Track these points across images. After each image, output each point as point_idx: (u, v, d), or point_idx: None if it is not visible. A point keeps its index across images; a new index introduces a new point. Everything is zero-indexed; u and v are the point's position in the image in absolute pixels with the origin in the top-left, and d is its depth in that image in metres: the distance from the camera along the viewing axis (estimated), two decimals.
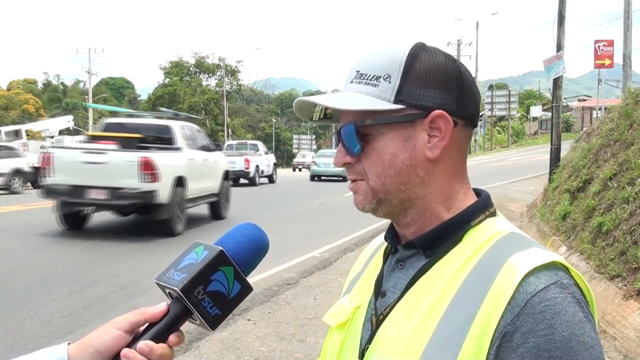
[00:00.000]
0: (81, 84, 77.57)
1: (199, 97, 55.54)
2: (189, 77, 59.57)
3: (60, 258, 8.18)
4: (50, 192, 9.35)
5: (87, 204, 9.35)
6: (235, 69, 60.56)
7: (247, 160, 22.11)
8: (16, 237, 9.87)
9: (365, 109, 0.83)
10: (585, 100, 63.99)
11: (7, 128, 25.82)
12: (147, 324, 0.78)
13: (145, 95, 72.68)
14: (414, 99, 0.83)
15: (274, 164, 25.87)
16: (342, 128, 0.86)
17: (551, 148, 13.17)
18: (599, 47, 25.23)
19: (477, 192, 0.91)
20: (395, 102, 0.83)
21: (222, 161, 12.63)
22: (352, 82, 0.87)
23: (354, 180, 0.89)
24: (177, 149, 10.43)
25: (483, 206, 0.88)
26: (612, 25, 26.68)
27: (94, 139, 10.52)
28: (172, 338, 0.77)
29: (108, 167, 9.07)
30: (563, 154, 12.37)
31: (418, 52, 0.85)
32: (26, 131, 25.89)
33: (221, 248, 0.78)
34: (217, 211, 12.19)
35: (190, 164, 10.40)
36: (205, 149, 11.75)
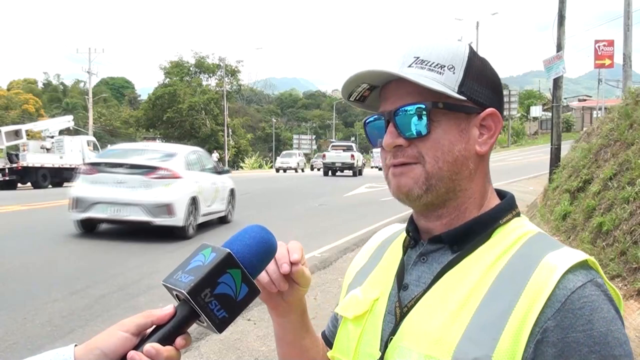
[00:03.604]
0: (81, 84, 77.66)
1: (199, 97, 55.50)
2: (189, 77, 59.55)
3: (61, 258, 8.18)
4: (325, 165, 33.69)
5: (335, 168, 32.80)
6: (235, 69, 60.54)
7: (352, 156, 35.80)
8: (16, 237, 9.87)
9: (442, 90, 0.83)
10: (585, 100, 64.02)
11: (7, 128, 25.70)
12: (154, 327, 0.77)
13: (145, 95, 72.66)
14: (473, 93, 0.86)
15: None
16: (400, 109, 0.86)
17: (551, 148, 13.17)
18: (599, 47, 25.24)
19: (501, 193, 0.94)
20: (459, 92, 0.85)
21: (359, 155, 35.04)
22: (410, 66, 0.86)
23: (403, 164, 0.87)
24: (354, 150, 33.88)
25: (510, 206, 0.91)
26: (612, 25, 26.70)
27: (334, 149, 34.06)
28: (179, 340, 0.76)
29: (341, 156, 32.86)
30: (563, 154, 12.36)
31: (473, 52, 0.89)
32: (26, 131, 25.78)
33: (229, 250, 0.77)
34: (360, 173, 33.47)
35: (357, 156, 33.39)
36: (356, 150, 34.97)
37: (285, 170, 41.58)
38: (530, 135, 62.83)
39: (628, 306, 4.61)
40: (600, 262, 5.51)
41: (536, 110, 59.67)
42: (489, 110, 0.87)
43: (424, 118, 0.84)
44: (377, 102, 0.92)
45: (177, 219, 9.48)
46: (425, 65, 0.85)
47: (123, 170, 9.67)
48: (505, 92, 57.31)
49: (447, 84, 0.84)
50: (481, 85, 0.87)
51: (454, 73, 0.85)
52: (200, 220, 10.42)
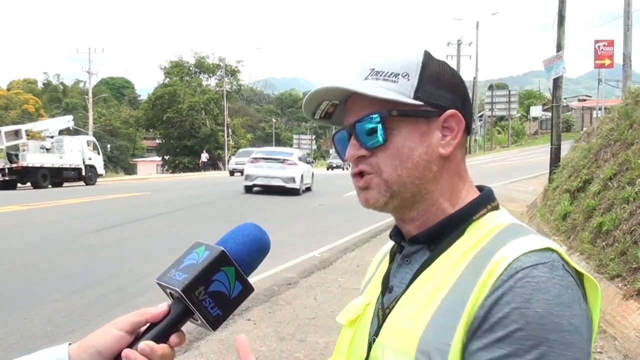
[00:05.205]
0: (81, 84, 77.66)
1: (199, 97, 55.49)
2: (189, 77, 59.55)
3: (61, 258, 8.18)
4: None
5: None
6: (235, 69, 60.57)
7: None
8: (16, 237, 9.88)
9: (393, 98, 0.85)
10: (585, 100, 64.04)
11: (7, 128, 25.67)
12: (148, 325, 0.77)
13: (145, 95, 72.67)
14: (430, 97, 0.87)
15: None
16: (359, 121, 0.88)
17: (551, 148, 13.18)
18: (599, 47, 25.25)
19: (480, 188, 0.95)
20: (415, 98, 0.87)
21: None
22: (367, 78, 0.89)
23: (363, 174, 0.90)
24: None
25: (485, 201, 0.91)
26: (612, 25, 26.69)
27: None
28: (174, 338, 0.77)
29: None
30: (563, 154, 12.37)
31: (429, 56, 0.90)
32: (26, 131, 25.77)
33: (222, 248, 0.77)
34: None
35: None
36: None
37: (242, 173, 35.28)
38: (530, 135, 62.83)
39: (628, 306, 4.61)
40: (600, 262, 5.50)
41: (536, 110, 59.68)
42: (449, 112, 0.88)
43: (380, 127, 0.86)
44: (343, 117, 0.95)
45: (296, 184, 19.03)
46: (380, 75, 0.88)
47: (270, 160, 19.23)
48: (505, 92, 57.63)
49: (402, 91, 0.86)
50: (439, 88, 0.88)
51: (408, 80, 0.87)
52: (303, 187, 19.74)
